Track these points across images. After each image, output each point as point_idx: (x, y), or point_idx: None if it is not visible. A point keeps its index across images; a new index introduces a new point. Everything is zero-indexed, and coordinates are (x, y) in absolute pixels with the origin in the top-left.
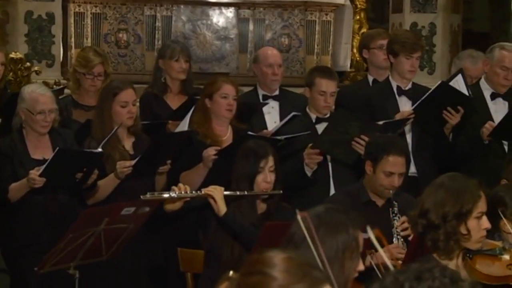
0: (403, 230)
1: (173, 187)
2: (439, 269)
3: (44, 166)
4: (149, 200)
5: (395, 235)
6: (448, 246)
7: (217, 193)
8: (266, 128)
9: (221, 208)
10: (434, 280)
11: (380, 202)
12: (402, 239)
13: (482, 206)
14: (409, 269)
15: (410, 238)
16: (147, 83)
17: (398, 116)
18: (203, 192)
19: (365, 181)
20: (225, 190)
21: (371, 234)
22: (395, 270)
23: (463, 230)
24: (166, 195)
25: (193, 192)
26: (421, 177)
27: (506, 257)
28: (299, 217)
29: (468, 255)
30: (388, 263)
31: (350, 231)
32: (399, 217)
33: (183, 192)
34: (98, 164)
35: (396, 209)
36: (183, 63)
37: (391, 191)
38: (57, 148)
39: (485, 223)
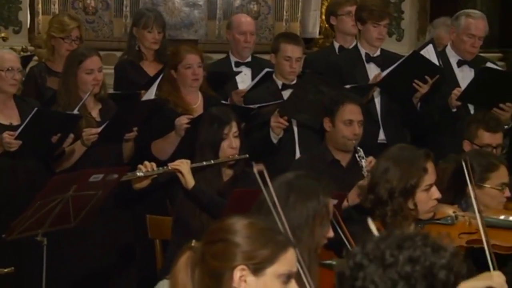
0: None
1: (139, 166)
2: (421, 237)
3: (21, 127)
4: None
5: (365, 174)
6: (396, 222)
7: (184, 167)
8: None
9: (189, 181)
10: (415, 249)
11: (344, 161)
12: None
13: (429, 178)
14: (391, 235)
15: None
16: (115, 49)
17: (372, 81)
18: (169, 167)
19: (327, 140)
20: (192, 162)
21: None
22: (377, 237)
23: (410, 205)
24: (134, 175)
25: (160, 168)
26: (390, 144)
27: (459, 224)
28: (255, 170)
29: (419, 225)
30: None
31: (321, 198)
32: (365, 159)
33: (149, 170)
34: (74, 128)
35: (361, 152)
36: (156, 34)
37: (354, 142)
38: (35, 108)
39: (435, 193)
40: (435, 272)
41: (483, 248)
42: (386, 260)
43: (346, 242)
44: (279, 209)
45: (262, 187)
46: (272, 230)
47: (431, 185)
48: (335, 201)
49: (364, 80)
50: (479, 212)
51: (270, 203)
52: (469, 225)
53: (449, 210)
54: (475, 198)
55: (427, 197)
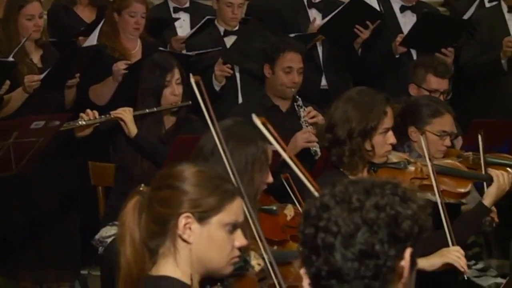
0: (311, 118)
1: (81, 114)
2: (391, 186)
3: None
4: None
5: (303, 124)
6: (353, 161)
7: (127, 115)
8: None
9: (132, 129)
10: (383, 197)
11: (284, 107)
12: (311, 127)
13: (388, 122)
14: (362, 181)
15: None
16: None
17: (311, 29)
18: (112, 115)
19: (266, 86)
20: (134, 110)
21: (257, 122)
22: (348, 180)
23: (367, 146)
24: (75, 124)
25: (102, 116)
26: (331, 89)
27: (411, 170)
28: (192, 80)
29: (373, 168)
30: (278, 148)
31: (259, 143)
32: (304, 109)
33: (91, 118)
34: (9, 74)
35: (300, 102)
36: None
37: (293, 90)
38: None
39: (391, 138)
40: (399, 222)
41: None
42: (352, 204)
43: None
44: (221, 151)
45: (198, 97)
46: (220, 179)
47: (388, 129)
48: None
49: (307, 26)
50: (430, 160)
51: (204, 110)
52: (420, 171)
53: (403, 157)
54: (428, 150)
55: (383, 140)
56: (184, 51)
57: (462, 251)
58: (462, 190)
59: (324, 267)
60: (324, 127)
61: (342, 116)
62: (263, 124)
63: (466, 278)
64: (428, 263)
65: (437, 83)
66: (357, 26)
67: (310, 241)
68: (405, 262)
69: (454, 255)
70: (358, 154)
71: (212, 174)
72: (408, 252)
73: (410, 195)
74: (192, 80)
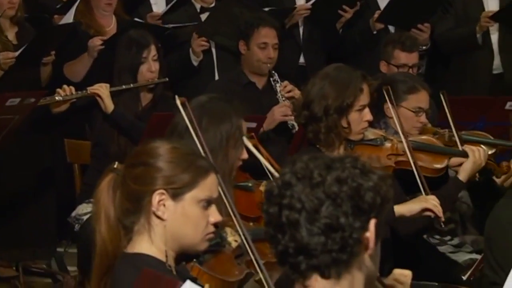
0: (287, 92)
1: (58, 89)
2: (350, 160)
3: None
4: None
5: (280, 99)
6: (329, 138)
7: (103, 91)
8: None
9: (108, 105)
10: (343, 170)
11: (260, 84)
12: (288, 101)
13: (364, 99)
14: (321, 157)
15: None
16: None
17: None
18: (88, 91)
19: (242, 63)
20: (111, 86)
21: (248, 144)
22: (307, 157)
23: (343, 123)
24: (51, 99)
25: (79, 92)
26: (309, 67)
27: (387, 146)
28: (178, 102)
29: (349, 145)
30: (271, 169)
31: (233, 120)
32: (280, 83)
33: (68, 94)
34: None
35: (276, 76)
36: None
37: (268, 65)
38: None
39: (367, 115)
40: (362, 194)
41: (413, 172)
42: (314, 179)
43: (266, 163)
44: (194, 131)
45: (185, 117)
46: (194, 155)
47: (364, 106)
48: (253, 124)
49: (291, 4)
50: (404, 135)
51: (190, 129)
52: (396, 148)
53: (379, 133)
54: (400, 124)
55: (359, 117)
56: None
57: (438, 200)
58: (439, 166)
59: (291, 244)
60: (300, 103)
61: (319, 93)
62: (255, 146)
63: (442, 225)
64: (407, 208)
65: (405, 58)
66: (343, 7)
67: (274, 219)
68: (370, 234)
69: (432, 202)
70: (334, 131)
71: (186, 151)
72: (372, 223)
73: (370, 167)
74: (178, 102)
